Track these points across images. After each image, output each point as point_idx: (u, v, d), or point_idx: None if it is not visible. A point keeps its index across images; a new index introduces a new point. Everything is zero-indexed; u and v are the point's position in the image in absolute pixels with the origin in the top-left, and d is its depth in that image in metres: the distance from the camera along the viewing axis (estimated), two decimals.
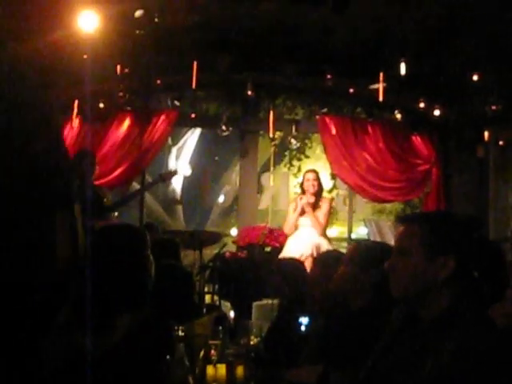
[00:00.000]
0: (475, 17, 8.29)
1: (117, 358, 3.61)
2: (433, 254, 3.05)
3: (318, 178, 10.00)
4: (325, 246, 9.09)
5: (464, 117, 12.03)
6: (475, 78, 10.13)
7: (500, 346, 2.91)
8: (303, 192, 9.89)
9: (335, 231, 12.03)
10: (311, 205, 9.69)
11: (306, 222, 9.70)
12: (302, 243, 8.99)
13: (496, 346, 2.90)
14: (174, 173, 11.59)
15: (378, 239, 10.66)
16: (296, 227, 9.70)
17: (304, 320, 5.06)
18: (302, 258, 8.57)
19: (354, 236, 12.47)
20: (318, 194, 9.89)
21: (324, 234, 9.81)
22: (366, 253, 4.49)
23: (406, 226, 3.22)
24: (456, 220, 3.29)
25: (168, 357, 3.60)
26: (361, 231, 12.93)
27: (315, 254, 8.74)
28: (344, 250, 6.27)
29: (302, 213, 9.68)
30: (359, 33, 9.15)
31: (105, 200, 9.19)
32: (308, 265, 7.60)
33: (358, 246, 4.97)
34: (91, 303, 3.61)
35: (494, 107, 11.44)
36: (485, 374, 2.79)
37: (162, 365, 3.58)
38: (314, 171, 10.21)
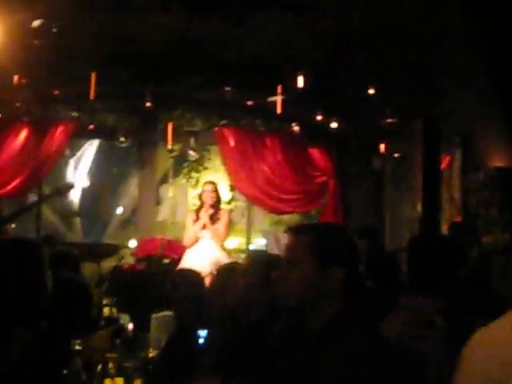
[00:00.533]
0: (372, 34, 8.43)
1: (14, 373, 3.57)
2: (322, 265, 3.09)
3: (216, 190, 10.00)
4: (224, 261, 9.12)
5: (360, 130, 12.22)
6: (371, 92, 10.30)
7: (385, 356, 2.98)
8: (202, 204, 9.89)
9: (234, 242, 12.04)
10: (210, 217, 9.71)
11: (205, 234, 9.72)
12: (201, 258, 9.00)
13: (381, 355, 2.97)
14: (71, 186, 11.66)
15: (277, 251, 10.72)
16: (196, 239, 9.71)
17: (202, 333, 5.08)
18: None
19: (252, 247, 12.52)
20: (217, 205, 9.90)
21: (223, 246, 9.86)
22: (262, 264, 4.53)
23: (296, 236, 3.26)
24: (344, 231, 3.35)
25: (65, 371, 3.59)
26: (259, 242, 12.97)
27: (214, 271, 8.77)
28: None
29: (204, 226, 9.69)
30: (259, 47, 9.22)
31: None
32: (207, 282, 7.63)
33: (255, 257, 5.03)
34: None
35: (389, 120, 11.66)
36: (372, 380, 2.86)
37: (59, 379, 3.56)
38: (213, 183, 10.20)
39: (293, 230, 3.35)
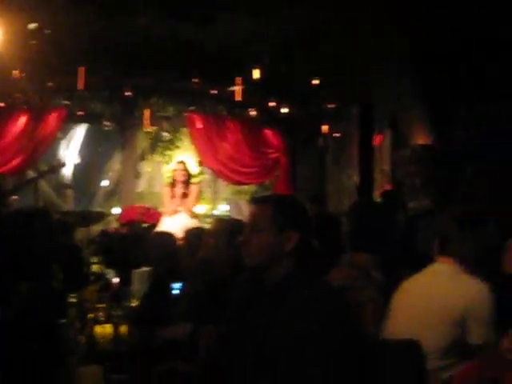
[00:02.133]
0: (317, 33, 8.43)
1: (18, 320, 3.56)
2: (280, 230, 3.11)
3: (186, 169, 10.08)
4: (193, 226, 9.18)
5: (306, 114, 12.26)
6: (315, 82, 10.32)
7: (332, 302, 3.02)
8: (174, 180, 9.96)
9: (202, 209, 12.03)
10: (182, 193, 9.82)
11: (179, 207, 9.82)
12: (175, 224, 8.98)
13: (329, 302, 3.00)
14: (63, 164, 11.75)
15: (237, 215, 10.74)
16: (174, 212, 9.75)
17: (176, 285, 5.09)
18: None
19: (217, 213, 12.54)
20: (187, 181, 9.97)
21: (194, 214, 9.95)
22: (227, 228, 4.55)
23: (258, 206, 3.27)
24: (298, 202, 3.36)
25: (62, 320, 3.58)
26: (223, 208, 12.99)
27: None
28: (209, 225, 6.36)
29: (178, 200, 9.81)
30: (221, 44, 9.19)
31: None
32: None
33: (220, 222, 5.05)
34: None
35: (330, 106, 11.71)
36: (321, 323, 2.89)
37: (57, 326, 3.56)
38: (183, 162, 10.27)
39: (255, 201, 3.36)
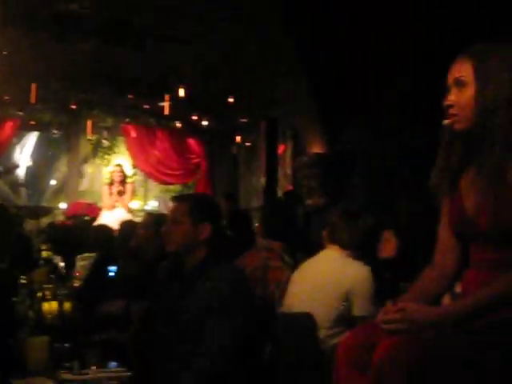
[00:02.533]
0: (230, 57, 8.47)
1: None
2: (196, 222, 3.13)
3: (122, 171, 10.10)
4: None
5: (223, 126, 12.29)
6: (231, 100, 10.36)
7: (239, 281, 3.06)
8: (112, 180, 9.91)
9: (135, 204, 11.92)
10: (118, 191, 9.77)
11: (117, 203, 9.76)
12: (112, 219, 8.86)
13: (237, 282, 3.04)
14: (17, 166, 11.61)
15: (165, 210, 10.68)
16: (112, 207, 9.67)
17: (112, 268, 5.04)
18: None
19: (148, 208, 12.46)
20: (123, 181, 9.95)
21: (129, 210, 9.91)
22: (155, 221, 4.53)
23: (178, 203, 3.28)
24: (212, 199, 3.42)
25: (14, 298, 3.52)
26: (153, 204, 12.92)
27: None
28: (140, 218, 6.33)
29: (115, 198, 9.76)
30: (153, 66, 9.13)
31: None
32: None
33: (149, 215, 5.04)
34: None
35: (243, 120, 11.78)
36: (230, 300, 2.93)
37: (9, 304, 3.48)
38: (119, 165, 10.30)
39: (176, 198, 3.39)
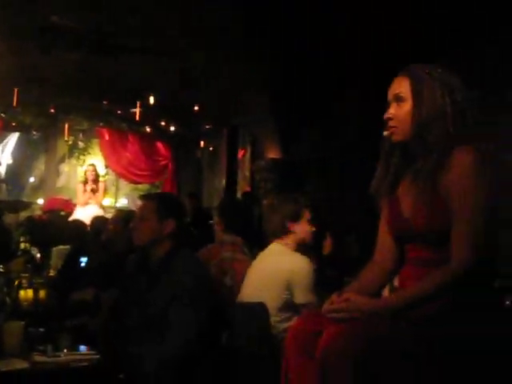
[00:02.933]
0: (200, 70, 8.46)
1: None
2: (161, 219, 3.12)
3: (95, 170, 10.08)
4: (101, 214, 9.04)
5: (189, 132, 12.26)
6: (196, 108, 10.35)
7: (202, 275, 3.05)
8: (86, 179, 9.86)
9: (107, 202, 11.80)
10: (92, 189, 9.74)
11: (90, 200, 9.73)
12: (86, 215, 8.76)
13: (200, 275, 3.04)
14: None
15: (134, 208, 10.61)
16: (86, 203, 9.62)
17: (84, 259, 4.99)
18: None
19: (118, 205, 12.38)
20: (96, 180, 9.90)
21: (101, 206, 9.87)
22: (124, 217, 4.50)
23: (145, 201, 3.28)
24: (176, 198, 3.41)
25: None
26: (123, 202, 12.82)
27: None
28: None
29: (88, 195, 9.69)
30: (125, 75, 9.04)
31: None
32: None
33: (118, 212, 5.01)
34: None
35: (207, 126, 11.78)
36: (194, 292, 2.93)
37: None
38: (93, 165, 10.30)
39: (144, 197, 3.38)
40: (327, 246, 5.04)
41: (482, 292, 2.10)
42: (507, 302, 3.49)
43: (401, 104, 2.17)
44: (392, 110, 2.19)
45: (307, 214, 3.51)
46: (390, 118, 2.20)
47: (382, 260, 2.34)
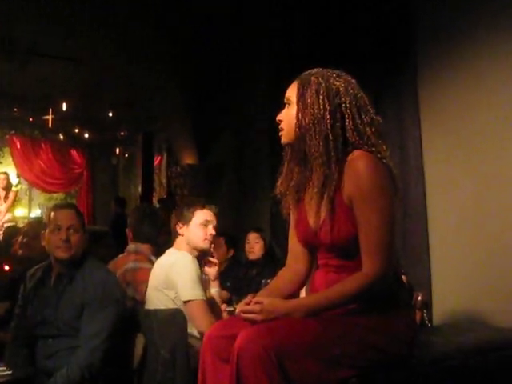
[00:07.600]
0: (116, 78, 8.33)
1: None
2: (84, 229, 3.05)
3: (7, 178, 9.81)
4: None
5: (104, 139, 12.07)
6: (110, 115, 10.20)
7: (111, 284, 3.00)
8: None
9: (21, 212, 11.41)
10: (3, 196, 9.52)
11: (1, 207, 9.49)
12: None
13: (109, 285, 2.97)
14: None
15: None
16: None
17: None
18: None
19: (32, 215, 11.98)
20: (8, 188, 9.70)
21: (13, 215, 9.71)
22: (35, 227, 4.35)
23: (64, 209, 3.15)
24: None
25: None
26: (37, 212, 12.42)
27: None
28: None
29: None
30: (39, 82, 8.76)
31: None
32: None
33: (31, 223, 4.85)
34: None
35: (122, 133, 11.64)
36: (103, 301, 2.86)
37: None
38: (5, 173, 10.00)
39: (61, 206, 3.30)
40: (257, 249, 5.02)
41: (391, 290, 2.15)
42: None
43: (289, 107, 2.21)
44: (282, 113, 2.22)
45: (201, 218, 3.42)
46: (280, 121, 2.23)
47: (294, 265, 2.36)
